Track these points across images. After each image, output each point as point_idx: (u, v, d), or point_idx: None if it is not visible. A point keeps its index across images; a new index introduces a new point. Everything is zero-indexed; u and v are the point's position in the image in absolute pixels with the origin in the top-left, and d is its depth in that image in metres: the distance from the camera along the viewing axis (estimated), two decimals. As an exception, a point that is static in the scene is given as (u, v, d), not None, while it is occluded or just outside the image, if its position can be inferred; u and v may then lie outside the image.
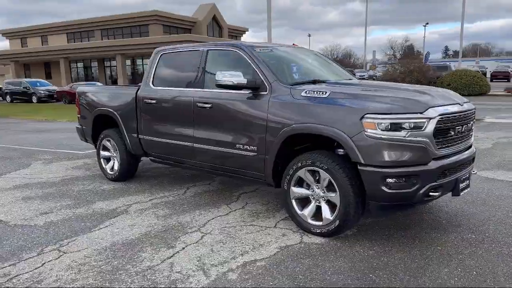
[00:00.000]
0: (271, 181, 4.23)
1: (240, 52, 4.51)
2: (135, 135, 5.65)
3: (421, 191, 3.43)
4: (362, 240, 3.77)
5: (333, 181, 3.65)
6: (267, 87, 4.15)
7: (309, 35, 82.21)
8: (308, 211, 3.91)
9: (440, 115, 3.48)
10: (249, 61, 4.38)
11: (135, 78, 42.84)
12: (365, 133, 3.41)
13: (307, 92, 3.90)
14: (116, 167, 6.11)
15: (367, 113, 3.42)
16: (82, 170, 6.94)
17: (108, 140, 6.16)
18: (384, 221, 4.22)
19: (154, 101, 5.30)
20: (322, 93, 3.81)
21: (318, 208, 3.89)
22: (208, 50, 4.89)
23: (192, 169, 5.27)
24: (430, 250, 3.53)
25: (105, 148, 6.29)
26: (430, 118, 3.42)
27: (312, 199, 3.91)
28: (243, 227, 4.15)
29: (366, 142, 3.40)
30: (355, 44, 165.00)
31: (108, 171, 6.23)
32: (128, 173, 6.14)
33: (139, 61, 44.74)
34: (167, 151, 5.30)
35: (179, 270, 3.26)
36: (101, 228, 4.22)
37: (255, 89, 4.20)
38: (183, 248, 3.67)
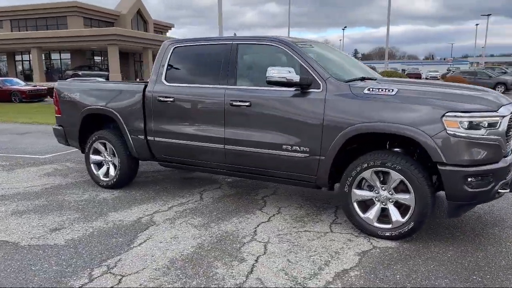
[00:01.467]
0: (324, 184, 4.03)
1: (284, 47, 4.22)
2: (142, 136, 5.08)
3: (495, 189, 3.47)
4: (431, 241, 3.71)
5: (407, 182, 3.54)
6: (321, 84, 3.94)
7: (235, 34, 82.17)
8: (373, 214, 3.77)
9: (511, 113, 3.55)
10: (295, 57, 4.12)
11: (52, 73, 39.52)
12: (447, 131, 3.35)
13: (371, 89, 3.76)
14: (112, 173, 5.46)
15: (449, 111, 3.37)
16: (59, 177, 6.13)
17: (102, 143, 5.48)
18: (430, 221, 4.22)
19: (170, 99, 4.79)
20: (389, 90, 3.69)
21: (382, 210, 3.77)
22: (238, 44, 4.52)
23: (216, 172, 4.87)
24: (505, 247, 3.58)
25: (97, 152, 5.60)
26: (503, 116, 3.47)
27: (376, 201, 3.78)
28: (299, 233, 3.90)
29: (449, 141, 3.35)
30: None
31: (101, 177, 5.55)
32: (127, 179, 5.52)
33: (55, 55, 41.37)
34: (186, 154, 4.83)
35: (273, 286, 2.94)
36: (141, 244, 3.70)
37: (305, 86, 3.96)
38: (256, 261, 3.33)
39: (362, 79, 4.24)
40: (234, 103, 4.34)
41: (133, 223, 4.22)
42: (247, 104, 4.27)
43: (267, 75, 3.92)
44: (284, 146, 4.09)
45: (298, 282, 2.99)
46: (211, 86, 4.58)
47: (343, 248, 3.56)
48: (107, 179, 5.50)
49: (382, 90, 3.72)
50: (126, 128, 5.17)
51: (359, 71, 4.76)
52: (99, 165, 5.63)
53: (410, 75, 47.47)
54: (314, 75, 3.97)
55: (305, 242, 3.69)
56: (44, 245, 3.68)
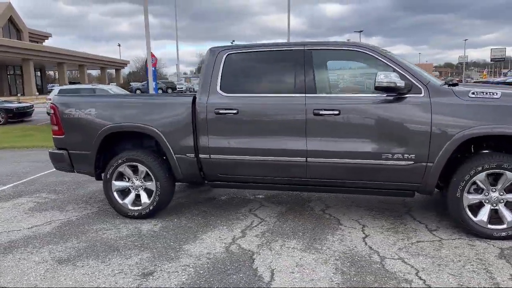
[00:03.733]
0: (431, 191, 3.96)
1: (372, 53, 4.06)
2: (191, 155, 4.44)
3: None
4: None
5: (525, 183, 3.66)
6: (422, 88, 3.87)
7: (119, 46, 77.82)
8: (485, 216, 3.80)
9: None
10: (388, 63, 3.99)
11: None
12: None
13: (475, 93, 3.81)
14: (145, 200, 4.66)
15: None
16: (55, 212, 5.06)
17: (131, 166, 4.65)
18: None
19: (233, 112, 4.27)
20: (494, 94, 3.79)
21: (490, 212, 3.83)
22: (312, 50, 4.22)
23: (289, 189, 4.49)
24: None
25: (121, 177, 4.74)
26: None
27: (486, 203, 3.83)
28: (418, 245, 3.73)
29: None
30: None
31: (130, 206, 4.70)
32: (164, 206, 4.77)
33: None
34: (254, 171, 4.34)
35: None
36: (274, 280, 3.18)
37: (405, 91, 3.86)
38: (420, 278, 3.10)
39: (446, 83, 4.29)
40: (321, 112, 4.04)
41: (230, 255, 3.64)
42: (336, 112, 4.01)
43: (377, 80, 3.73)
44: (384, 155, 3.93)
45: (495, 294, 2.86)
46: (286, 95, 4.21)
47: (479, 253, 3.52)
48: (139, 208, 4.67)
49: (487, 94, 3.80)
50: (169, 147, 4.47)
51: (428, 75, 4.84)
52: (122, 192, 4.77)
53: None
54: (413, 80, 3.89)
55: (435, 253, 3.56)
56: (160, 297, 2.95)
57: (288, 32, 26.41)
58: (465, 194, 3.81)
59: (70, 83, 40.26)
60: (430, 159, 3.83)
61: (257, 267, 3.38)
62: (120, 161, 4.65)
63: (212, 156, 4.39)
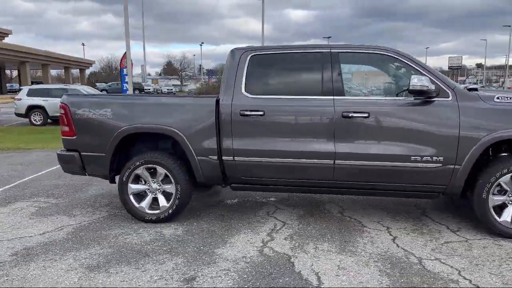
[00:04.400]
0: (457, 192, 4.06)
1: (400, 57, 4.13)
2: (214, 157, 4.36)
3: None
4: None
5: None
6: (449, 92, 3.98)
7: (83, 45, 75.61)
8: (509, 217, 3.95)
9: None
10: (416, 67, 4.07)
11: None
12: None
13: (500, 97, 3.95)
14: (164, 203, 4.52)
15: None
16: (64, 217, 4.84)
17: (150, 168, 4.51)
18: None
19: (259, 113, 4.23)
20: (516, 99, 3.94)
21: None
22: (339, 52, 4.25)
23: (316, 191, 4.50)
24: None
25: (137, 180, 4.58)
26: None
27: (509, 204, 3.98)
28: (448, 246, 3.81)
29: None
30: (113, 57, 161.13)
31: (147, 210, 4.55)
32: (182, 209, 4.64)
33: None
34: (279, 174, 4.31)
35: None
36: (322, 283, 3.16)
37: (434, 95, 3.95)
38: (471, 281, 3.17)
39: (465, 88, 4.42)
40: (349, 114, 4.06)
41: (267, 258, 3.58)
42: (365, 115, 4.05)
43: (411, 83, 3.80)
44: (413, 157, 4.00)
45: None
46: (314, 97, 4.21)
47: (510, 253, 3.64)
48: (157, 211, 4.53)
49: (511, 98, 3.95)
50: (191, 149, 4.36)
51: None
52: (137, 195, 4.61)
53: None
54: (441, 85, 4.00)
55: (467, 253, 3.65)
56: (214, 303, 2.87)
57: (262, 36, 26.56)
58: (491, 196, 3.94)
59: (33, 83, 38.60)
60: (458, 162, 3.93)
61: (300, 271, 3.35)
62: (138, 163, 4.49)
63: (236, 158, 4.32)
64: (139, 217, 4.56)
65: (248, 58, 4.40)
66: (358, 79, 4.56)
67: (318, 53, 4.30)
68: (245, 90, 4.33)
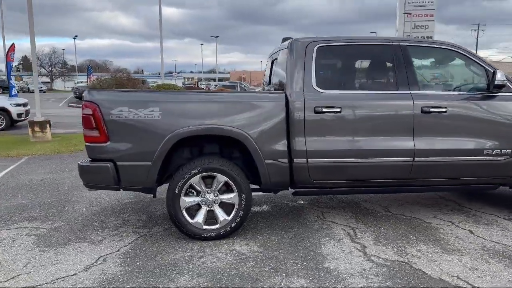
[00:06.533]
0: (518, 182, 4.28)
1: (463, 52, 4.20)
2: (284, 160, 3.91)
3: None
4: None
5: None
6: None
7: None
8: None
9: None
10: (482, 64, 4.19)
11: None
12: None
13: None
14: (225, 216, 3.90)
15: None
16: (88, 244, 3.91)
17: (207, 177, 3.85)
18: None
19: (336, 110, 3.91)
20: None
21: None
22: (408, 46, 4.12)
23: (392, 191, 4.34)
24: None
25: (190, 192, 3.89)
26: None
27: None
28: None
29: None
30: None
31: (204, 226, 3.89)
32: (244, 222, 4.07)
33: None
34: (354, 175, 4.04)
35: None
36: (469, 285, 3.02)
37: (498, 88, 4.09)
38: None
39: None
40: (430, 109, 4.00)
41: (386, 266, 3.31)
42: (443, 110, 4.03)
43: (497, 78, 3.89)
44: (485, 151, 4.10)
45: None
46: (391, 91, 4.05)
47: None
48: (216, 226, 3.90)
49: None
50: (260, 152, 3.85)
51: None
52: (188, 210, 3.92)
53: (189, 87, 45.00)
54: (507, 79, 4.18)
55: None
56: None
57: (160, 30, 25.25)
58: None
59: None
60: (523, 153, 4.14)
61: (430, 274, 3.17)
62: (194, 171, 3.80)
63: (310, 160, 3.93)
64: (195, 235, 3.88)
65: (315, 49, 4.04)
66: (427, 73, 4.54)
67: (388, 45, 4.14)
68: (317, 85, 3.97)
